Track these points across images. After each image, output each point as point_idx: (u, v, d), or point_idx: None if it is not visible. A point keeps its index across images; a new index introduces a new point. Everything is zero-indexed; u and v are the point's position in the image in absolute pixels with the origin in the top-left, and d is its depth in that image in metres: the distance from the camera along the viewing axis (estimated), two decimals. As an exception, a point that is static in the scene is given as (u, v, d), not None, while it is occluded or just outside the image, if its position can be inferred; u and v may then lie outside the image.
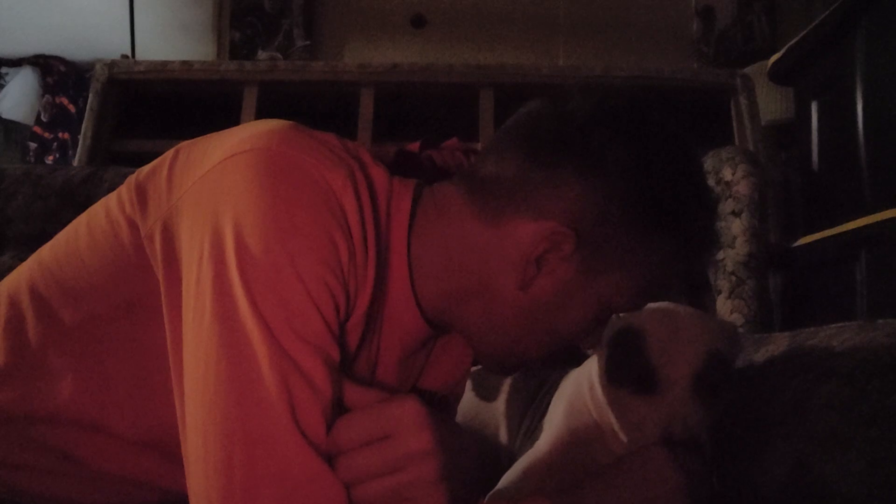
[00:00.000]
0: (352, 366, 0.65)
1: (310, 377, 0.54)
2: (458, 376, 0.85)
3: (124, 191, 0.66)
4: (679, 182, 0.69)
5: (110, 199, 0.67)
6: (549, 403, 1.08)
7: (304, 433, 0.53)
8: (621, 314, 0.95)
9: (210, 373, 0.54)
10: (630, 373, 0.86)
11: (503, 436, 1.15)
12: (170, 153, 0.66)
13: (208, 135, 0.66)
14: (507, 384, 1.20)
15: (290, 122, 0.64)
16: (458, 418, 1.18)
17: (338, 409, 0.58)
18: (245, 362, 0.53)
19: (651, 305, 0.93)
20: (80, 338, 0.64)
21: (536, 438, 1.04)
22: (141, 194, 0.64)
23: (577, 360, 1.03)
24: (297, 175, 0.57)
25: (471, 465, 0.63)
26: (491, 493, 0.99)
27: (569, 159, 0.66)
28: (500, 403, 1.18)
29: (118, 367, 0.64)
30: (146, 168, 0.66)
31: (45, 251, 0.70)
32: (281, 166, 0.57)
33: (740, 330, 1.38)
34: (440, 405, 0.82)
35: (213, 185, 0.58)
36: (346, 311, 0.60)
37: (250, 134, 0.60)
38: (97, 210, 0.68)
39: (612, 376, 0.90)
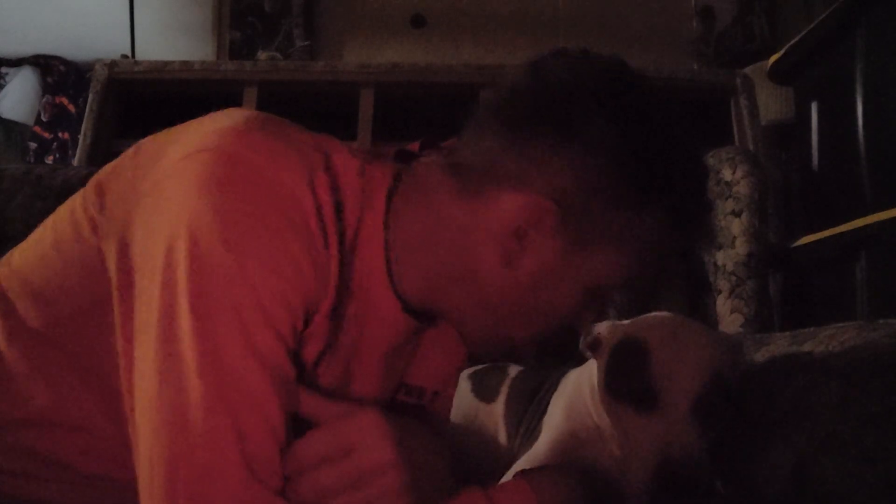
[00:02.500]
0: (319, 367, 0.64)
1: (258, 397, 0.54)
2: (451, 371, 0.83)
3: (88, 190, 0.64)
4: (666, 151, 0.66)
5: (75, 200, 0.66)
6: (548, 404, 1.08)
7: (250, 464, 0.53)
8: (625, 322, 0.94)
9: (154, 398, 0.53)
10: (631, 388, 0.85)
11: (502, 437, 1.15)
12: (130, 150, 0.64)
13: (168, 129, 0.64)
14: (506, 385, 1.20)
15: (252, 113, 0.62)
16: (458, 420, 1.18)
17: (294, 421, 0.57)
18: (185, 392, 0.52)
19: (657, 316, 0.92)
20: (43, 342, 0.63)
21: (535, 439, 1.04)
22: (101, 194, 0.62)
23: (571, 351, 1.03)
24: (250, 181, 0.56)
25: (441, 470, 0.62)
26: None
27: (549, 131, 0.64)
28: (499, 404, 1.18)
29: (89, 368, 0.62)
30: (109, 166, 0.65)
31: (16, 253, 0.69)
32: (233, 172, 0.56)
33: (741, 329, 1.38)
34: (414, 411, 0.80)
35: (166, 192, 0.57)
36: (304, 319, 0.59)
37: (205, 132, 0.59)
38: (63, 211, 0.66)
39: (612, 389, 0.89)
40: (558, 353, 1.00)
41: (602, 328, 0.95)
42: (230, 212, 0.55)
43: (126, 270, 0.57)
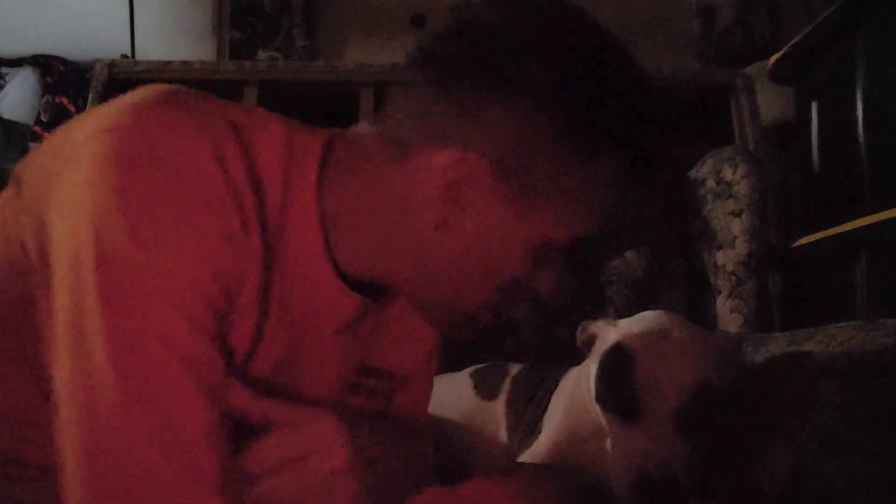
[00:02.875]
0: (259, 347, 0.62)
1: (175, 389, 0.52)
2: (422, 354, 0.80)
3: (11, 183, 0.62)
4: (612, 93, 0.60)
5: (3, 194, 0.63)
6: (548, 402, 1.08)
7: (176, 457, 0.51)
8: (619, 322, 0.94)
9: (69, 393, 0.52)
10: (615, 398, 0.86)
11: (503, 434, 1.15)
12: (49, 136, 0.62)
13: (84, 112, 0.61)
14: (507, 383, 1.20)
15: (161, 87, 0.59)
16: (459, 417, 1.18)
17: (227, 418, 0.55)
18: (98, 388, 0.51)
19: (649, 320, 0.92)
20: None
21: (536, 437, 1.04)
22: (19, 185, 0.60)
23: (571, 350, 1.02)
24: (150, 159, 0.53)
25: (407, 473, 0.61)
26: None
27: (477, 81, 0.58)
28: (501, 402, 1.18)
29: (31, 361, 0.60)
30: (27, 156, 0.63)
31: None
32: (133, 151, 0.53)
33: (741, 329, 1.38)
34: (381, 401, 0.77)
35: (70, 177, 0.55)
36: (226, 301, 0.56)
37: (108, 111, 0.57)
38: None
39: (600, 397, 0.90)
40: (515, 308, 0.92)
41: (597, 327, 0.96)
42: (132, 197, 0.52)
43: (44, 259, 0.56)
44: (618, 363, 0.86)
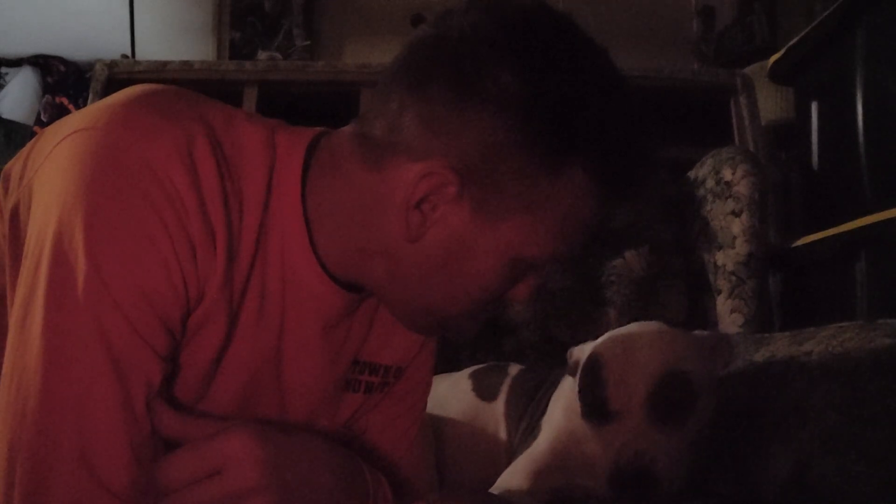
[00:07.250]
0: (237, 349, 0.61)
1: (103, 397, 0.51)
2: (415, 346, 0.78)
3: (3, 180, 0.62)
4: (581, 102, 0.58)
5: None
6: (548, 403, 1.09)
7: (88, 462, 0.51)
8: (596, 341, 0.95)
9: (5, 382, 0.52)
10: (588, 405, 0.88)
11: (503, 435, 1.15)
12: (39, 134, 0.63)
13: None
14: (506, 384, 1.20)
15: (146, 87, 0.59)
16: (458, 418, 1.18)
17: (159, 438, 0.55)
18: (27, 384, 0.51)
19: (620, 329, 0.94)
20: None
21: (535, 437, 1.04)
22: (6, 181, 0.61)
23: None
24: (113, 162, 0.53)
25: (329, 490, 0.58)
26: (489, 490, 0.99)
27: (445, 89, 0.57)
28: (500, 403, 1.18)
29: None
30: (17, 155, 0.63)
31: None
32: (100, 152, 0.53)
33: (741, 329, 1.38)
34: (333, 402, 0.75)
35: (46, 174, 0.55)
36: (181, 311, 0.56)
37: (89, 111, 0.57)
38: None
39: (581, 409, 0.92)
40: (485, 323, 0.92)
41: (577, 351, 0.98)
42: (93, 200, 0.52)
43: (19, 256, 0.56)
44: (590, 372, 0.89)
